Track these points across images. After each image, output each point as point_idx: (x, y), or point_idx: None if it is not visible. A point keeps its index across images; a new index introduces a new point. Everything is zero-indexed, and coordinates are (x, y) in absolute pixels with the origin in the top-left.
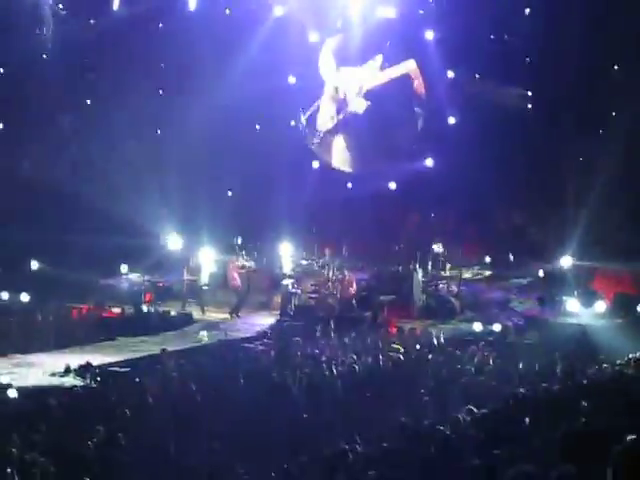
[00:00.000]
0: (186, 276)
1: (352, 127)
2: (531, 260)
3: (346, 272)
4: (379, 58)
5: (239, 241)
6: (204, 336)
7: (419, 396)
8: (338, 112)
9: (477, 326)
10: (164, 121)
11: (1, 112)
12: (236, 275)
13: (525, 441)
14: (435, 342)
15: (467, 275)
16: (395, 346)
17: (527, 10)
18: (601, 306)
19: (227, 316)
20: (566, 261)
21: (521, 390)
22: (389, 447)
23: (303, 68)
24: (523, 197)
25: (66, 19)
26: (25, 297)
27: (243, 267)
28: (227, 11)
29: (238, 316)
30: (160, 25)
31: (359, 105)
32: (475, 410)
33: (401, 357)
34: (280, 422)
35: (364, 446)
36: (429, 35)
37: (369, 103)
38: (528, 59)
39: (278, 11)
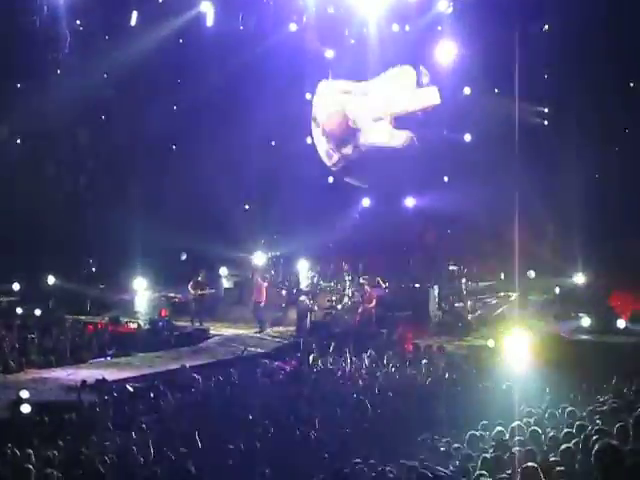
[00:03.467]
0: (198, 291)
1: (371, 161)
2: (547, 277)
3: (367, 288)
4: (410, 71)
5: (256, 257)
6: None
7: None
8: (344, 143)
9: (491, 343)
10: (179, 136)
11: (18, 127)
12: (264, 290)
13: None
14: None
15: (483, 291)
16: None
17: (546, 26)
18: (620, 323)
19: (243, 332)
20: (579, 278)
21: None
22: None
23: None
24: (538, 213)
25: (84, 35)
26: (39, 312)
27: (268, 281)
28: (241, 27)
29: (261, 332)
30: (180, 41)
31: (394, 137)
32: None
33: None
34: (295, 438)
35: (380, 463)
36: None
37: (411, 135)
38: (546, 75)
39: (293, 27)
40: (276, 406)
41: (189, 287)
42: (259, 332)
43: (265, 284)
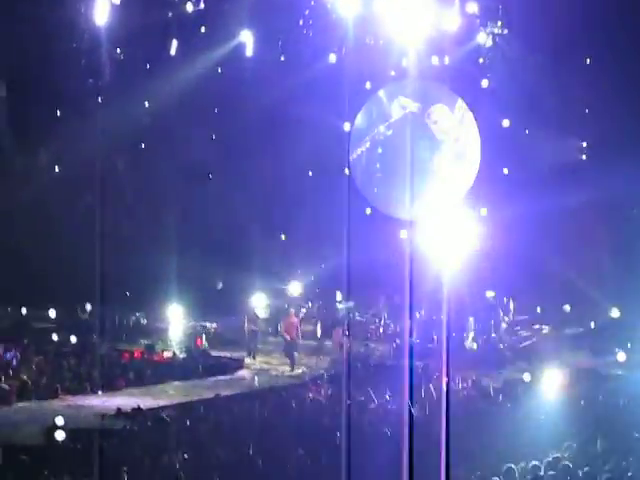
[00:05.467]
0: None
1: None
2: (583, 310)
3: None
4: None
5: (293, 288)
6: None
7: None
8: None
9: (527, 377)
10: (217, 165)
11: (57, 154)
12: (294, 326)
13: None
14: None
15: (519, 324)
16: None
17: (588, 60)
18: None
19: (276, 361)
20: (616, 312)
21: None
22: None
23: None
24: (577, 247)
25: (124, 63)
26: (74, 339)
27: (296, 316)
28: (282, 57)
29: (293, 367)
30: (219, 70)
31: None
32: None
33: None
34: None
35: None
36: (484, 83)
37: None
38: (587, 110)
39: (332, 58)
40: (309, 436)
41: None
42: (290, 370)
43: (296, 320)
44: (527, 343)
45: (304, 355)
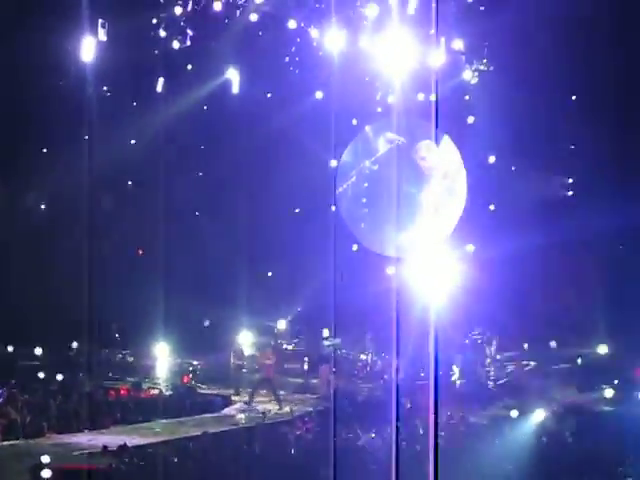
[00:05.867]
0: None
1: None
2: (570, 347)
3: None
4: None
5: (280, 325)
6: (242, 419)
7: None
8: None
9: (514, 413)
10: (204, 203)
11: (43, 192)
12: (265, 365)
13: None
14: None
15: (506, 361)
16: None
17: (573, 97)
18: None
19: (263, 399)
20: (603, 348)
21: None
22: None
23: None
24: (561, 283)
25: (111, 100)
26: (61, 377)
27: (270, 358)
28: (269, 95)
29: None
30: (205, 107)
31: None
32: None
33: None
34: None
35: None
36: (470, 120)
37: None
38: (573, 146)
39: (319, 94)
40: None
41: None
42: (278, 408)
43: (270, 361)
44: (510, 378)
45: (291, 392)
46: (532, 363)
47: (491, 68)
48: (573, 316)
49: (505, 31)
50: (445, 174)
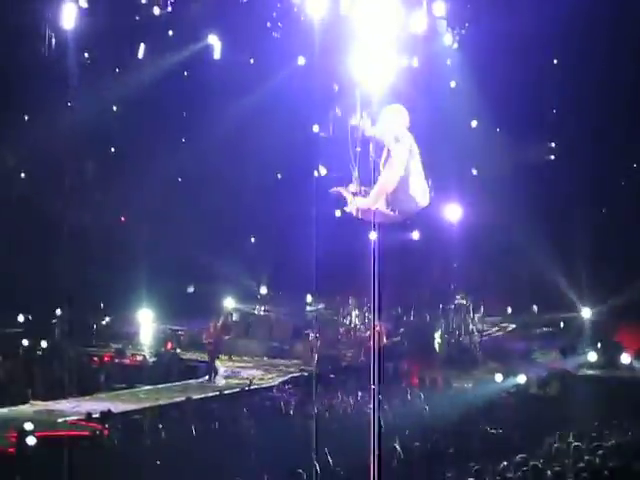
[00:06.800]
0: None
1: None
2: (553, 311)
3: (378, 322)
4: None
5: (262, 290)
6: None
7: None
8: None
9: (499, 377)
10: (185, 168)
11: (24, 160)
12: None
13: None
14: None
15: (489, 325)
16: None
17: (555, 60)
18: (625, 358)
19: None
20: (586, 312)
21: None
22: None
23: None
24: (545, 247)
25: (92, 68)
26: (44, 344)
27: (215, 327)
28: (251, 60)
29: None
30: (185, 73)
31: None
32: None
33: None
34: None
35: None
36: (453, 84)
37: None
38: (554, 110)
39: (301, 60)
40: (279, 439)
41: (213, 328)
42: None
43: (218, 328)
44: (494, 342)
45: (275, 357)
46: (511, 325)
47: (473, 32)
48: (557, 280)
49: None
50: (395, 138)
